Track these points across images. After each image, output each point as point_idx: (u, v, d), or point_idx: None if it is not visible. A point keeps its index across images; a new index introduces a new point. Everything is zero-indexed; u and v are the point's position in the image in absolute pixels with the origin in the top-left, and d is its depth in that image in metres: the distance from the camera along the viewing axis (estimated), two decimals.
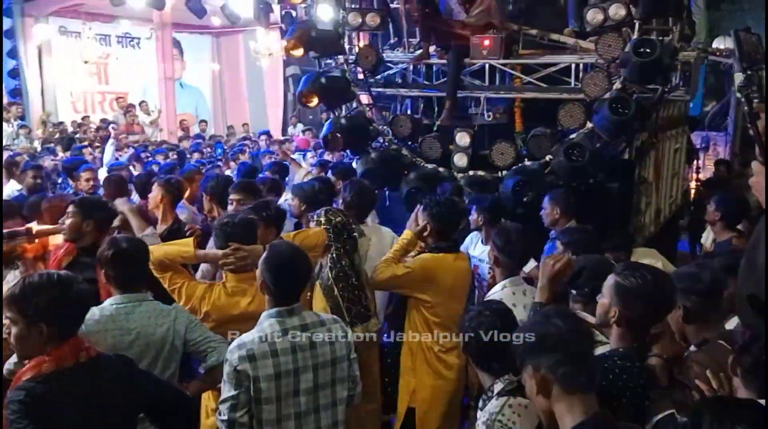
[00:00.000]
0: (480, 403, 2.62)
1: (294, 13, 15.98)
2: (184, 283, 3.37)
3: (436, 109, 6.88)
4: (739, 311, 1.61)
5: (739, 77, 1.82)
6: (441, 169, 6.34)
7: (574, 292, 3.09)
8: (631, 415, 2.31)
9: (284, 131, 17.84)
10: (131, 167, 9.16)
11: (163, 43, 17.05)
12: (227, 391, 2.77)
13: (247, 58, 18.11)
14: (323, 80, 6.49)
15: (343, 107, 6.79)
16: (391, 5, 7.23)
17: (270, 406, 2.77)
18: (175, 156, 11.47)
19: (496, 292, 3.61)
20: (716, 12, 12.81)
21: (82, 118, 15.62)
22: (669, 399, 2.35)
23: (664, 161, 7.39)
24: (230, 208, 4.53)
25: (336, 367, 2.93)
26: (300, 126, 17.58)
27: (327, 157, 11.67)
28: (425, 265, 4.04)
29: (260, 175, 6.84)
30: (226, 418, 2.76)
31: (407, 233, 4.15)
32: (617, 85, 5.68)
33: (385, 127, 6.62)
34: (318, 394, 2.88)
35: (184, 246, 3.50)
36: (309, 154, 10.92)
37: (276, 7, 15.71)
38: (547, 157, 5.98)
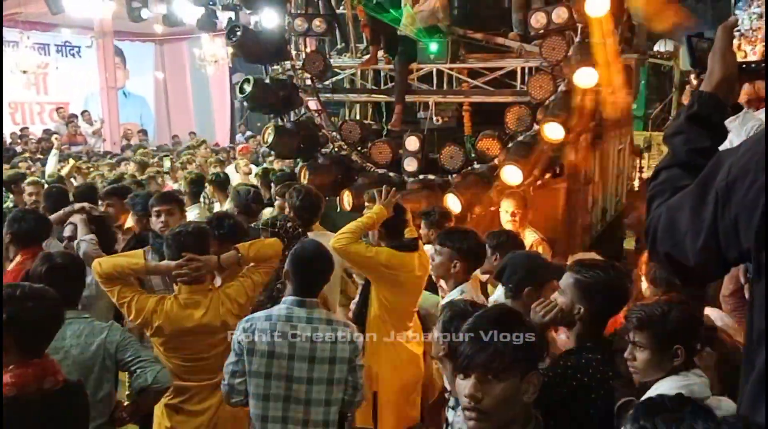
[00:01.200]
0: (452, 402, 2.59)
1: (239, 19, 15.94)
2: (134, 297, 3.23)
3: (384, 113, 6.87)
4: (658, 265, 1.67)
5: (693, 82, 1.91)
6: (391, 174, 6.32)
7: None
8: (603, 408, 2.35)
9: (232, 139, 17.64)
10: (72, 179, 8.91)
11: (104, 52, 16.67)
12: (230, 358, 3.00)
13: (192, 65, 17.83)
14: (270, 86, 6.40)
15: (291, 113, 6.71)
16: (338, 10, 7.20)
17: (258, 380, 2.94)
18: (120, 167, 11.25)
19: (453, 295, 3.55)
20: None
21: (21, 130, 15.14)
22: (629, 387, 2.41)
23: (609, 161, 7.54)
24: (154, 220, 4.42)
25: (335, 367, 3.01)
26: (249, 133, 17.41)
27: (276, 164, 11.63)
28: (390, 261, 3.97)
29: None
30: (226, 382, 3.00)
31: (378, 207, 4.08)
32: (562, 87, 5.77)
33: (334, 132, 6.57)
34: (312, 387, 2.98)
35: (134, 258, 3.39)
36: (242, 162, 10.73)
37: (221, 14, 15.63)
38: (496, 160, 6.01)
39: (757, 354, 1.35)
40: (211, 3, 15.14)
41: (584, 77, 5.59)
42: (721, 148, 1.58)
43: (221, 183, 6.82)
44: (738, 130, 2.93)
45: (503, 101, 6.24)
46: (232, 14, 15.62)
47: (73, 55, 17.63)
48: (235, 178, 10.54)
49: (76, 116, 15.91)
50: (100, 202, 5.23)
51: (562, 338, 2.66)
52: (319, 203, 4.72)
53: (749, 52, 1.39)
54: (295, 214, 4.42)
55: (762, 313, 1.33)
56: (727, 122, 1.63)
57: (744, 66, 1.59)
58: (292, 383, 2.95)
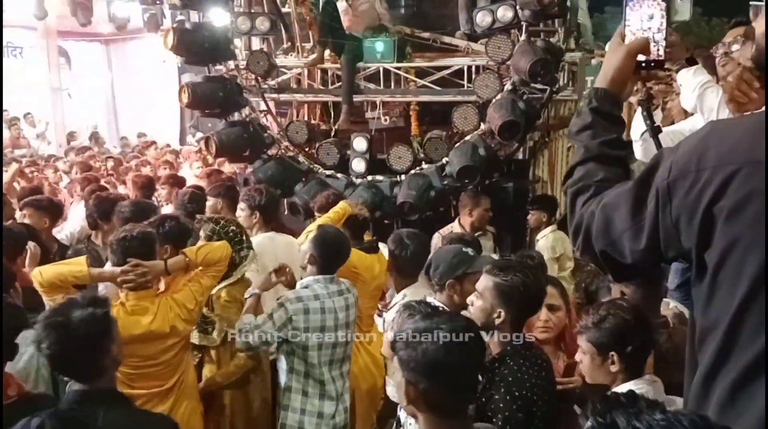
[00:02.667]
0: None
1: (189, 19, 15.62)
2: None
3: (332, 113, 6.76)
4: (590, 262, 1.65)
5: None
6: (339, 175, 6.22)
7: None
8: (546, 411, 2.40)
9: (183, 140, 17.28)
10: (15, 183, 8.58)
11: (48, 53, 16.16)
12: (269, 327, 3.25)
13: (140, 66, 17.41)
14: (214, 86, 6.23)
15: (236, 114, 6.54)
16: (283, 9, 7.07)
17: (314, 353, 3.34)
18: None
19: (397, 302, 3.56)
20: (600, 15, 13.33)
21: None
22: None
23: (557, 159, 7.56)
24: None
25: (353, 327, 3.59)
26: (199, 135, 17.09)
27: (227, 166, 11.42)
28: (354, 261, 3.94)
29: None
30: (249, 340, 3.27)
31: (343, 204, 4.39)
32: (508, 86, 5.74)
33: (280, 133, 6.43)
34: (346, 348, 3.51)
35: (77, 265, 3.25)
36: (195, 165, 10.51)
37: (168, 13, 15.30)
38: (444, 160, 5.96)
39: (700, 354, 1.35)
40: (158, 2, 14.89)
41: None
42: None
43: (173, 185, 6.65)
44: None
45: (450, 100, 6.19)
46: (179, 14, 15.41)
47: (15, 56, 17.03)
48: (190, 180, 10.34)
49: (18, 119, 15.38)
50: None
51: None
52: (276, 202, 4.82)
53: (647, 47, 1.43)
54: (260, 212, 4.47)
55: (703, 313, 1.32)
56: None
57: (641, 65, 1.63)
58: (336, 348, 3.43)
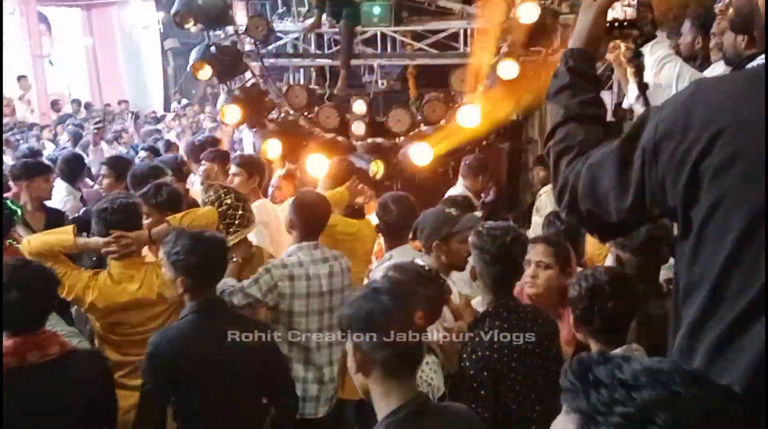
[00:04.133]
0: None
1: None
2: (66, 273, 3.15)
3: (329, 77, 6.87)
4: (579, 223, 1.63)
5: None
6: (339, 138, 6.36)
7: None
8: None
9: (167, 107, 17.21)
10: None
11: (28, 18, 15.91)
12: (254, 290, 3.26)
13: (122, 32, 17.23)
14: (214, 52, 6.31)
15: (237, 80, 6.63)
16: None
17: (300, 319, 3.34)
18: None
19: (384, 262, 3.64)
20: None
21: None
22: None
23: (548, 120, 7.74)
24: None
25: (344, 294, 3.46)
26: (184, 101, 17.03)
27: (218, 133, 11.46)
28: (346, 228, 4.11)
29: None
30: (234, 300, 3.25)
31: (342, 191, 4.36)
32: (504, 49, 5.89)
33: (280, 98, 6.54)
34: (333, 315, 3.37)
35: (64, 234, 3.31)
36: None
37: None
38: (442, 122, 6.13)
39: (685, 309, 1.36)
40: None
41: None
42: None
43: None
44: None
45: (447, 63, 6.33)
46: None
47: None
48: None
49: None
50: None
51: None
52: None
53: (611, 10, 1.48)
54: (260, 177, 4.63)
55: (688, 269, 1.33)
56: None
57: (614, 24, 1.68)
58: (323, 315, 3.40)
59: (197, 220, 3.47)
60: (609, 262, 3.18)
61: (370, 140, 6.28)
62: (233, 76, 6.52)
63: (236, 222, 3.73)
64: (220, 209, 3.71)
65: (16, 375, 2.35)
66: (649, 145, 1.31)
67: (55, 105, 16.39)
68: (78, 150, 9.45)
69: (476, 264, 2.62)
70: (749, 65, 2.39)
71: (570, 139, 1.57)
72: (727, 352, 1.26)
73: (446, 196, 5.18)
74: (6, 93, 15.52)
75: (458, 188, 5.45)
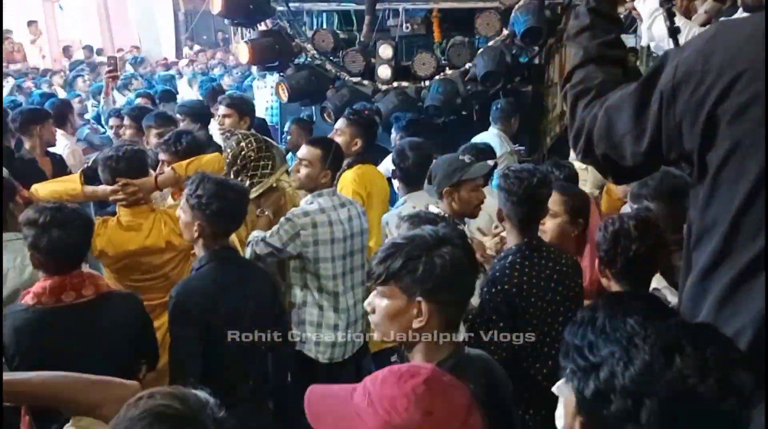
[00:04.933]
0: None
1: None
2: None
3: (355, 21, 6.99)
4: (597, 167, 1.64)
5: None
6: (366, 82, 6.53)
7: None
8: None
9: (179, 53, 17.25)
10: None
11: None
12: (275, 239, 3.28)
13: None
14: None
15: (262, 24, 6.77)
16: None
17: (326, 264, 3.41)
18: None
19: (398, 207, 3.79)
20: None
21: None
22: None
23: (567, 64, 7.85)
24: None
25: (363, 237, 3.61)
26: (196, 47, 17.05)
27: (226, 80, 11.62)
28: (357, 179, 4.28)
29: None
30: (257, 250, 3.31)
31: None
32: None
33: (306, 42, 6.68)
34: (355, 258, 3.55)
35: (71, 182, 3.41)
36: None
37: None
38: (467, 65, 6.28)
39: (697, 253, 1.37)
40: None
41: None
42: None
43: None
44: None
45: (472, 7, 6.45)
46: None
47: None
48: (188, 94, 10.52)
49: (11, 32, 15.24)
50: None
51: None
52: None
53: None
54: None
55: (702, 213, 1.34)
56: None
57: None
58: (346, 259, 3.49)
59: (203, 166, 3.44)
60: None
61: (396, 84, 6.43)
62: (261, 19, 6.64)
63: (258, 172, 3.70)
64: (241, 157, 3.69)
65: (53, 313, 2.44)
66: (667, 87, 1.31)
67: (66, 51, 16.45)
68: (89, 97, 9.69)
69: (502, 206, 2.72)
70: None
71: (588, 82, 1.56)
72: (738, 298, 1.27)
73: (475, 140, 5.37)
74: (16, 38, 15.60)
75: (491, 133, 5.61)
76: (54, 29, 16.41)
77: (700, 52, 1.28)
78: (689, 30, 3.20)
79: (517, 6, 5.99)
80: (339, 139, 4.16)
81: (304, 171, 3.47)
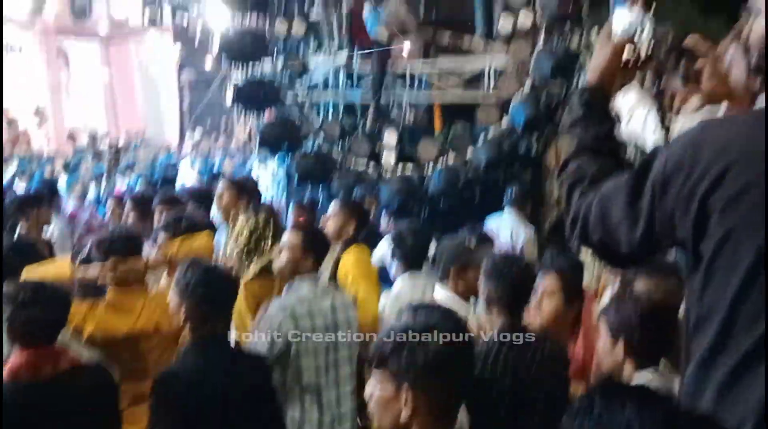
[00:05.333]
0: None
1: (190, 17, 16.09)
2: None
3: (359, 111, 7.38)
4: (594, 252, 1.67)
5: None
6: (369, 168, 6.84)
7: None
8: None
9: (182, 138, 17.74)
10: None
11: (47, 51, 16.54)
12: (262, 347, 3.09)
13: (139, 64, 17.85)
14: (255, 86, 6.84)
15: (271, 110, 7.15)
16: (310, 13, 7.66)
17: (308, 358, 3.17)
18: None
19: (396, 289, 3.81)
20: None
21: None
22: None
23: (562, 153, 8.22)
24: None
25: (351, 329, 3.34)
26: (199, 130, 17.55)
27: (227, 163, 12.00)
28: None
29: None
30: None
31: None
32: (527, 86, 6.39)
33: (316, 128, 7.04)
34: (339, 351, 3.29)
35: (62, 265, 3.43)
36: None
37: (167, 12, 15.75)
38: (468, 153, 6.61)
39: (696, 341, 1.38)
40: (158, 0, 15.38)
41: None
42: None
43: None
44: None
45: (472, 99, 6.84)
46: (178, 11, 15.93)
47: (13, 53, 17.35)
48: (190, 177, 10.84)
49: (16, 120, 15.69)
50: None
51: None
52: None
53: (629, 49, 1.65)
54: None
55: (699, 302, 1.36)
56: None
57: (626, 62, 1.75)
58: (329, 353, 3.26)
59: (194, 248, 3.46)
60: (607, 296, 3.17)
61: (399, 170, 6.74)
62: (272, 106, 7.02)
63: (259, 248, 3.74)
64: (256, 236, 3.76)
65: (30, 388, 2.44)
66: (658, 179, 1.36)
67: (72, 136, 16.94)
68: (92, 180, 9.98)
69: (486, 290, 2.73)
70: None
71: (583, 171, 1.62)
72: (739, 387, 1.27)
73: (492, 221, 5.59)
74: (22, 125, 16.09)
75: (509, 215, 5.83)
76: (60, 114, 16.95)
77: (690, 145, 1.34)
78: (680, 125, 3.39)
79: (515, 98, 6.36)
80: (332, 223, 4.31)
81: (284, 256, 3.34)
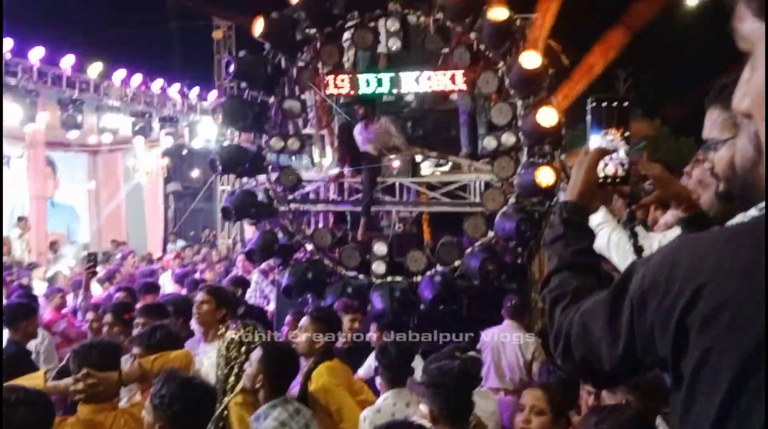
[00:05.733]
0: None
1: (177, 131, 16.69)
2: None
3: (349, 221, 7.72)
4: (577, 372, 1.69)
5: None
6: (361, 276, 7.10)
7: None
8: None
9: (164, 248, 17.93)
10: None
11: (35, 162, 16.89)
12: None
13: (126, 175, 18.30)
14: (249, 197, 7.19)
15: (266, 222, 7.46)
16: (303, 130, 8.16)
17: None
18: None
19: (379, 403, 3.88)
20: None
21: None
22: None
23: (545, 267, 8.59)
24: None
25: None
26: (180, 242, 17.80)
27: (207, 274, 12.10)
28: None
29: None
30: None
31: None
32: (512, 200, 6.80)
33: (305, 239, 7.34)
34: None
35: (35, 379, 3.34)
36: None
37: (156, 125, 16.39)
38: (456, 263, 6.91)
39: None
40: (147, 115, 16.04)
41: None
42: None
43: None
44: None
45: (458, 211, 7.24)
46: (167, 125, 16.57)
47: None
48: (170, 289, 10.91)
49: None
50: None
51: None
52: None
53: (603, 167, 1.76)
54: None
55: (682, 420, 1.35)
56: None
57: (606, 180, 1.82)
58: None
59: (170, 362, 3.42)
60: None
61: (389, 279, 7.00)
62: (266, 219, 7.34)
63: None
64: (230, 364, 3.81)
65: None
66: (636, 296, 1.37)
67: (53, 245, 17.03)
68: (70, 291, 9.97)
69: (430, 404, 2.78)
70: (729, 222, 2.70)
71: (564, 287, 1.66)
72: None
73: (491, 332, 5.81)
74: (5, 232, 16.18)
75: (509, 326, 6.06)
76: (43, 223, 17.09)
77: (665, 263, 1.35)
78: (650, 243, 3.52)
79: (500, 212, 6.75)
80: (302, 336, 4.34)
81: (248, 370, 3.45)
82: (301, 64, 7.43)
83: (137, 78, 16.03)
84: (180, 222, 17.33)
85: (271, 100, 7.37)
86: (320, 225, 8.04)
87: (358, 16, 7.17)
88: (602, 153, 1.78)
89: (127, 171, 17.95)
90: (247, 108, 7.22)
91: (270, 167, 7.46)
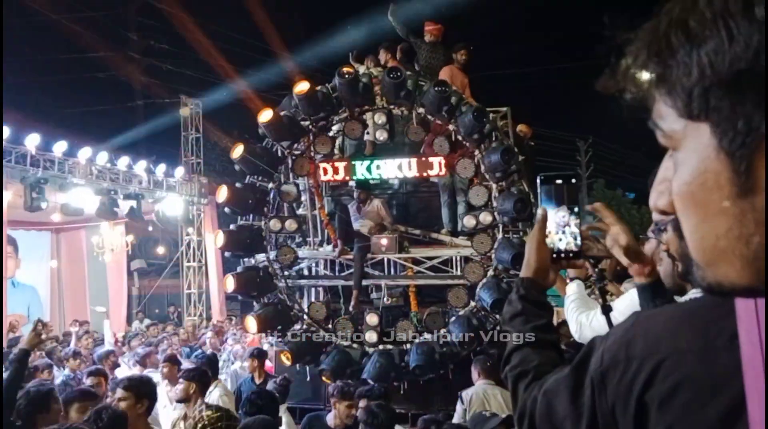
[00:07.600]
0: None
1: (141, 208, 17.49)
2: None
3: (341, 294, 8.87)
4: None
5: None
6: (354, 345, 8.21)
7: None
8: None
9: (129, 325, 18.53)
10: None
11: None
12: None
13: (90, 253, 18.91)
14: (251, 273, 8.30)
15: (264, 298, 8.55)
16: (298, 211, 9.36)
17: None
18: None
19: None
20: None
21: None
22: None
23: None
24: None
25: None
26: (147, 321, 18.43)
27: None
28: None
29: None
30: None
31: None
32: (491, 272, 8.06)
33: (302, 312, 8.45)
34: None
35: None
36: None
37: (121, 202, 17.22)
38: (443, 331, 8.08)
39: None
40: (112, 192, 16.86)
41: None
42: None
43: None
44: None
45: (442, 283, 8.46)
46: (133, 203, 17.38)
47: None
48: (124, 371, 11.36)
49: None
50: None
51: None
52: None
53: (557, 242, 2.19)
54: None
55: None
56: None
57: (560, 255, 1.87)
58: None
59: None
60: None
61: (381, 347, 8.13)
62: (266, 293, 8.44)
63: None
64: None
65: None
66: (596, 373, 1.39)
67: (12, 327, 17.48)
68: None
69: None
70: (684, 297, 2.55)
71: (525, 364, 1.70)
72: None
73: (468, 392, 6.83)
74: None
75: (480, 386, 6.86)
76: (2, 304, 17.55)
77: (623, 339, 1.36)
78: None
79: (480, 283, 8.00)
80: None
81: None
82: (296, 152, 8.70)
83: (103, 156, 16.79)
84: (145, 300, 18.03)
85: (270, 185, 8.60)
86: (313, 298, 9.17)
87: (348, 110, 8.52)
88: (544, 228, 1.85)
89: (91, 248, 18.58)
90: (250, 193, 8.42)
91: (269, 246, 8.61)
